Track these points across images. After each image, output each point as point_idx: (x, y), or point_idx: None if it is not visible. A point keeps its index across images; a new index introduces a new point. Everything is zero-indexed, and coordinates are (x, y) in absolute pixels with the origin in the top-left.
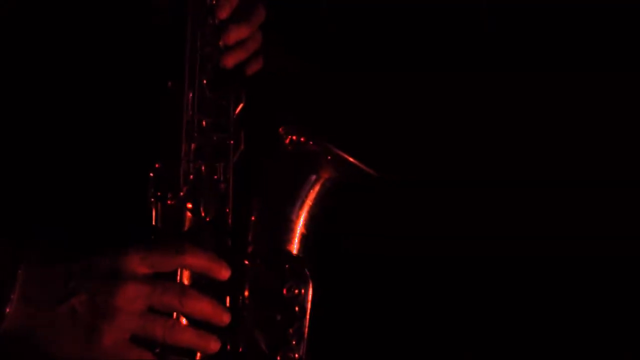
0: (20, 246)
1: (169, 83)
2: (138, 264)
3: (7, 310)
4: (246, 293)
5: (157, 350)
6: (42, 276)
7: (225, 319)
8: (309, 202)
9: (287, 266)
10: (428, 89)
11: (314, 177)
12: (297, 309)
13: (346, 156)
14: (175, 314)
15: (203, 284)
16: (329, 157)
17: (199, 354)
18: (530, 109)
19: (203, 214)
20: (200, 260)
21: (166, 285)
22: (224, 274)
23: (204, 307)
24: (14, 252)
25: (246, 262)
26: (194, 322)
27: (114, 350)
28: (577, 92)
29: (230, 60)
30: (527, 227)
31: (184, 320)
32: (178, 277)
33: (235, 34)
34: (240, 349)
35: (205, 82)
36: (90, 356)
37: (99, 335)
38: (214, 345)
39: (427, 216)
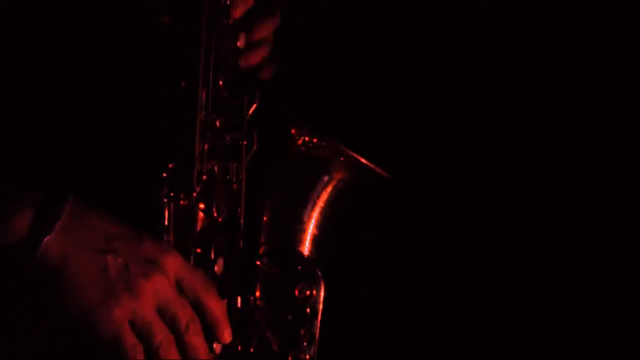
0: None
1: (182, 82)
2: (174, 269)
3: (47, 237)
4: (257, 294)
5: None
6: (90, 221)
7: None
8: (320, 203)
9: (299, 267)
10: (439, 88)
11: (326, 178)
12: (308, 310)
13: (358, 157)
14: None
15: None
16: (342, 158)
17: None
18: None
19: (215, 215)
20: (218, 311)
21: (186, 303)
22: (227, 338)
23: (200, 345)
24: (63, 190)
25: (258, 262)
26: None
27: (116, 325)
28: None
29: (254, 58)
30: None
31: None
32: None
33: (265, 29)
34: (252, 350)
35: (220, 82)
36: (94, 319)
37: (113, 303)
38: None
39: (438, 217)
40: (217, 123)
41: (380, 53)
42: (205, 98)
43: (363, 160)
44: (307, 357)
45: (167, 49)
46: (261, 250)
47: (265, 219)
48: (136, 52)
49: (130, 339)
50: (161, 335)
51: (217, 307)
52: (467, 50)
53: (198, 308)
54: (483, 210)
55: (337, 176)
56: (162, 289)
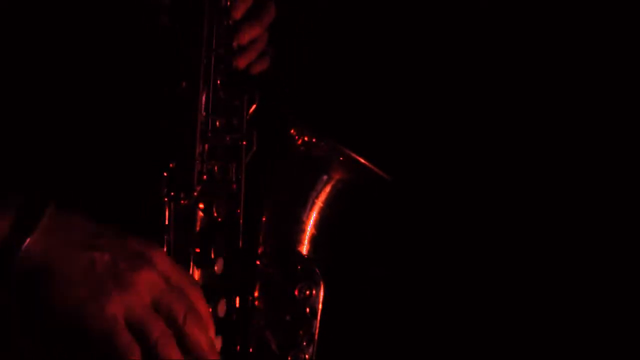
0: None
1: (183, 83)
2: (162, 264)
3: (28, 238)
4: (257, 294)
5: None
6: (73, 221)
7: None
8: (320, 204)
9: (298, 267)
10: (438, 89)
11: (325, 178)
12: (307, 310)
13: (358, 158)
14: None
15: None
16: (341, 159)
17: None
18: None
19: (215, 215)
20: (202, 309)
21: (181, 295)
22: (211, 335)
23: (201, 335)
24: (44, 195)
25: (257, 262)
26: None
27: (109, 322)
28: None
29: (243, 61)
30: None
31: None
32: None
33: (249, 34)
34: (251, 350)
35: (219, 82)
36: (86, 315)
37: (104, 299)
38: None
39: (436, 217)
40: (217, 123)
41: (380, 53)
42: (205, 98)
43: (362, 161)
44: (307, 357)
45: (168, 50)
46: (260, 250)
47: (264, 219)
48: (137, 52)
49: (124, 337)
50: (158, 330)
51: (201, 304)
52: (467, 50)
53: (184, 302)
54: (481, 210)
55: (336, 176)
56: (153, 282)
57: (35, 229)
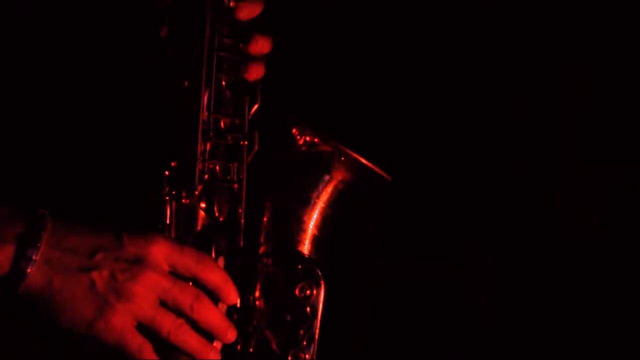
0: (47, 212)
1: (185, 82)
2: (163, 257)
3: (29, 270)
4: (257, 293)
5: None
6: (68, 243)
7: (230, 336)
8: (321, 203)
9: (299, 267)
10: (441, 90)
11: (326, 177)
12: (308, 309)
13: (359, 158)
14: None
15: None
16: (342, 159)
17: None
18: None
19: (216, 214)
20: (216, 279)
21: (184, 286)
22: (233, 298)
23: (212, 317)
24: (41, 216)
25: (258, 262)
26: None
27: (119, 332)
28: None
29: (253, 74)
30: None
31: None
32: None
33: (262, 47)
34: (251, 349)
35: (223, 82)
36: (96, 331)
37: (110, 313)
38: (214, 356)
39: (437, 217)
40: (219, 123)
41: (382, 55)
42: (207, 98)
43: (363, 161)
44: (307, 356)
45: (170, 49)
46: (261, 250)
47: (265, 218)
48: (140, 51)
49: (135, 342)
50: (167, 324)
51: (214, 274)
52: (468, 51)
53: (198, 282)
54: (482, 210)
55: (338, 176)
56: (154, 284)
57: (35, 261)
